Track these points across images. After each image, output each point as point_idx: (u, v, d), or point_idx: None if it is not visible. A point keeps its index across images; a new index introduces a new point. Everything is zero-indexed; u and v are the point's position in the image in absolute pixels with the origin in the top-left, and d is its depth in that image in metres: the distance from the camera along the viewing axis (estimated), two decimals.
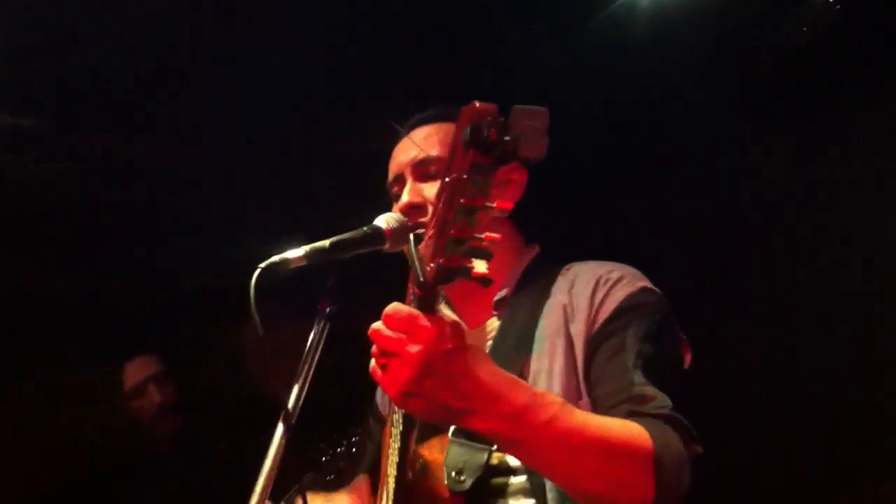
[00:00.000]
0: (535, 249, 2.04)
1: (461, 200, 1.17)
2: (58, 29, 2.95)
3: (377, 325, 1.38)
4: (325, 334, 1.74)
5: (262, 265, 1.66)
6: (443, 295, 2.08)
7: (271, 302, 1.59)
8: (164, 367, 3.71)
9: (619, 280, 1.80)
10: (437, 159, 1.90)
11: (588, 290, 1.79)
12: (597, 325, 1.74)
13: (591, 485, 1.49)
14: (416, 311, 1.35)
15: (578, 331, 1.76)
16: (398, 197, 1.95)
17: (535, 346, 1.79)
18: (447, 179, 1.20)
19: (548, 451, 1.44)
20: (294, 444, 1.61)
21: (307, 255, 1.70)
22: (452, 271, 1.24)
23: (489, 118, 1.15)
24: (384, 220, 1.79)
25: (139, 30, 2.99)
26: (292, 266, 1.69)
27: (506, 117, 1.16)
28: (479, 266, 1.23)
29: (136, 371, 3.69)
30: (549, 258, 2.01)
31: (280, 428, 1.64)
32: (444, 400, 1.35)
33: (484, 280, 1.23)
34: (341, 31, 3.12)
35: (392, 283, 1.82)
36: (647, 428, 1.51)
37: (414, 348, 1.33)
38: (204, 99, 3.26)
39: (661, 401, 1.60)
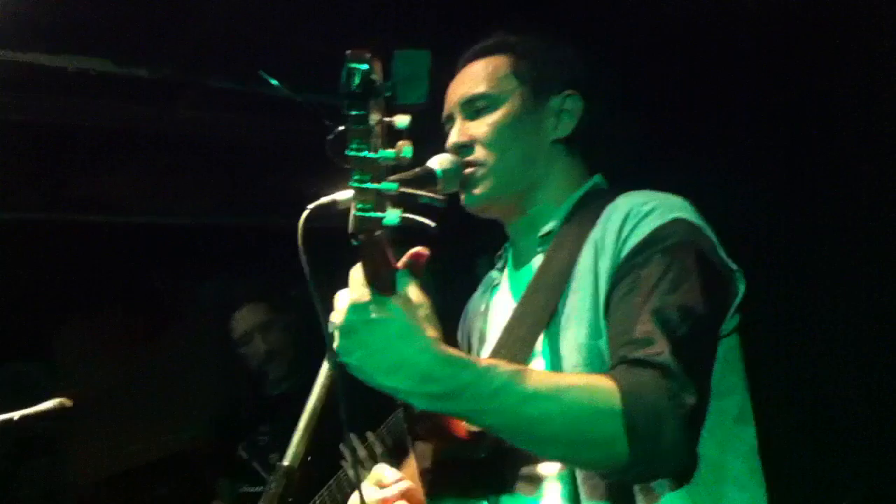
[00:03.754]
0: (594, 180, 1.95)
1: (348, 152, 1.18)
2: None
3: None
4: None
5: (311, 205, 1.69)
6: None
7: None
8: (272, 315, 3.78)
9: (650, 212, 1.67)
10: (485, 95, 1.89)
11: (617, 223, 1.70)
12: (619, 261, 1.65)
13: (557, 449, 1.47)
14: (354, 278, 1.33)
15: (604, 267, 1.68)
16: None
17: (571, 284, 1.72)
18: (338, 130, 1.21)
19: (500, 422, 1.42)
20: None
21: None
22: (365, 221, 1.22)
23: (358, 67, 1.14)
24: (437, 161, 1.80)
25: None
26: (341, 207, 1.72)
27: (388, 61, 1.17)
28: (391, 215, 1.21)
29: (244, 320, 3.79)
30: (615, 188, 1.90)
31: (325, 365, 1.69)
32: (373, 374, 1.34)
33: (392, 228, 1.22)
34: None
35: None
36: (618, 380, 1.45)
37: (337, 317, 1.33)
38: None
39: (659, 345, 1.50)
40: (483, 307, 2.04)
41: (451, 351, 1.37)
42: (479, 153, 1.87)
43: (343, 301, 1.34)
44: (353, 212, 1.22)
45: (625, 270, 1.63)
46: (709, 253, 1.67)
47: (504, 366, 1.42)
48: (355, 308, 1.31)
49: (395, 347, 1.31)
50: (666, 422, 1.43)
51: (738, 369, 1.74)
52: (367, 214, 1.21)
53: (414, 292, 1.36)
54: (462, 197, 1.90)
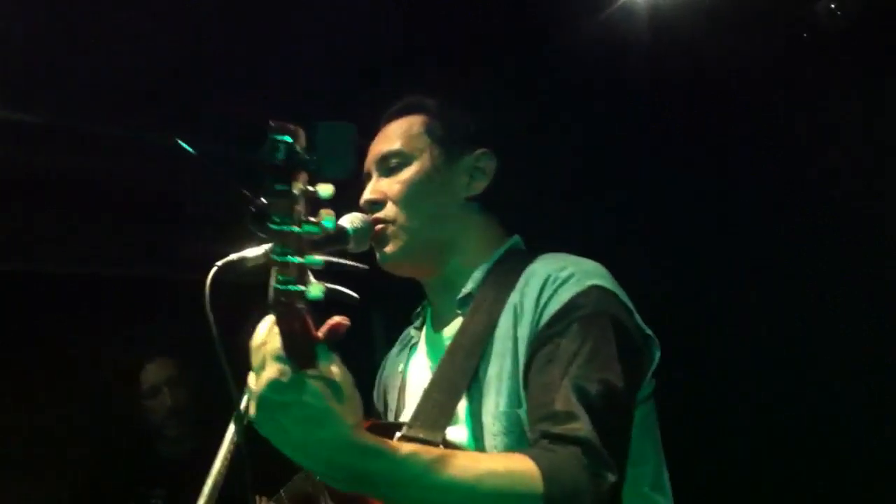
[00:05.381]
0: (512, 241, 1.94)
1: (270, 226, 1.15)
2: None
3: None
4: None
5: (219, 263, 1.64)
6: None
7: None
8: (180, 371, 3.73)
9: (567, 279, 1.67)
10: (398, 153, 1.89)
11: (536, 289, 1.69)
12: (538, 329, 1.65)
13: None
14: (272, 350, 1.28)
15: (523, 334, 1.67)
16: None
17: (490, 349, 1.71)
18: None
19: None
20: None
21: (267, 254, 1.69)
22: (287, 295, 1.18)
23: (281, 140, 1.13)
24: (348, 220, 1.78)
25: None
26: (250, 265, 1.67)
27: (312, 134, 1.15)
28: (314, 290, 1.17)
29: (153, 372, 3.73)
30: (533, 249, 1.90)
31: (231, 429, 1.62)
32: (283, 449, 1.31)
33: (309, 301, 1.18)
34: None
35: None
36: (538, 460, 1.43)
37: (255, 385, 1.29)
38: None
39: (580, 421, 1.49)
40: (401, 367, 2.01)
41: (368, 438, 1.33)
42: (390, 210, 1.87)
43: (262, 371, 1.28)
44: (272, 283, 1.18)
45: (543, 339, 1.63)
46: (625, 321, 1.67)
47: (423, 454, 1.38)
48: (273, 386, 1.26)
49: (308, 433, 1.27)
50: (582, 499, 1.42)
51: (654, 435, 1.74)
52: (289, 288, 1.17)
53: (336, 367, 1.31)
54: (376, 255, 1.88)
